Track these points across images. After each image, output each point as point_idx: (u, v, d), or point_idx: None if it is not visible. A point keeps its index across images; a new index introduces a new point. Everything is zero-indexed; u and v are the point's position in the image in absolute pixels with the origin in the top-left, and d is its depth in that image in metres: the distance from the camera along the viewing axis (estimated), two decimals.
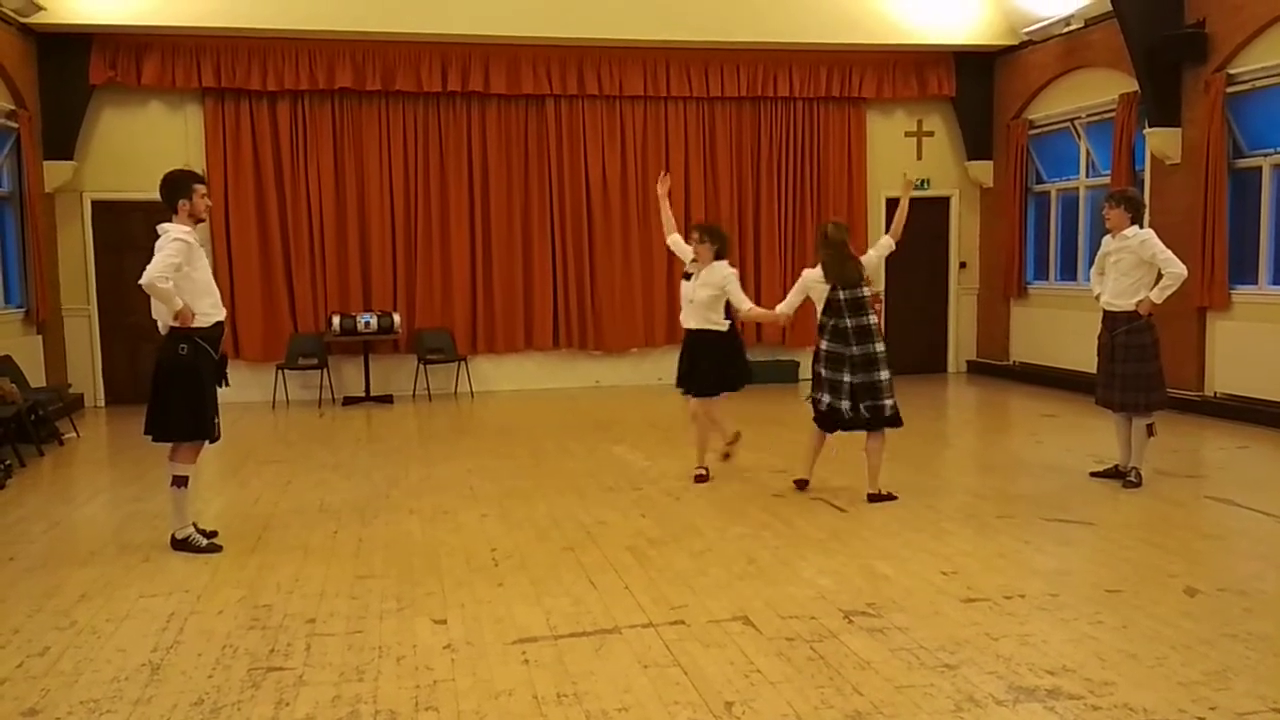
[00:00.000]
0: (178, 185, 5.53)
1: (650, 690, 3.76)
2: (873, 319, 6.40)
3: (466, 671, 3.96)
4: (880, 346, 6.39)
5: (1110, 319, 6.81)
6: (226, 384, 5.77)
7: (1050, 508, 6.33)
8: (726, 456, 7.40)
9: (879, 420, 6.43)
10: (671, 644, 4.20)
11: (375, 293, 11.91)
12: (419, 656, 4.12)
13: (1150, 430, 6.80)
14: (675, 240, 7.29)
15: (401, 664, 4.05)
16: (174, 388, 5.47)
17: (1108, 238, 6.87)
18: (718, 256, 6.93)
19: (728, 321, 6.98)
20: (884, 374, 6.37)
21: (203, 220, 5.66)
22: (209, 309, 5.53)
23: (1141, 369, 6.67)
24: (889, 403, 6.39)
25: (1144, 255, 6.61)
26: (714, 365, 6.96)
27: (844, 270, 6.38)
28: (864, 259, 6.58)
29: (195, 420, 5.54)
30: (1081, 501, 6.48)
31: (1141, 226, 6.80)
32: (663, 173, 7.62)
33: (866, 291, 6.40)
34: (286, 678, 3.92)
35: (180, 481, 5.63)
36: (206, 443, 5.71)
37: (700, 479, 7.19)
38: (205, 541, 5.70)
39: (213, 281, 5.65)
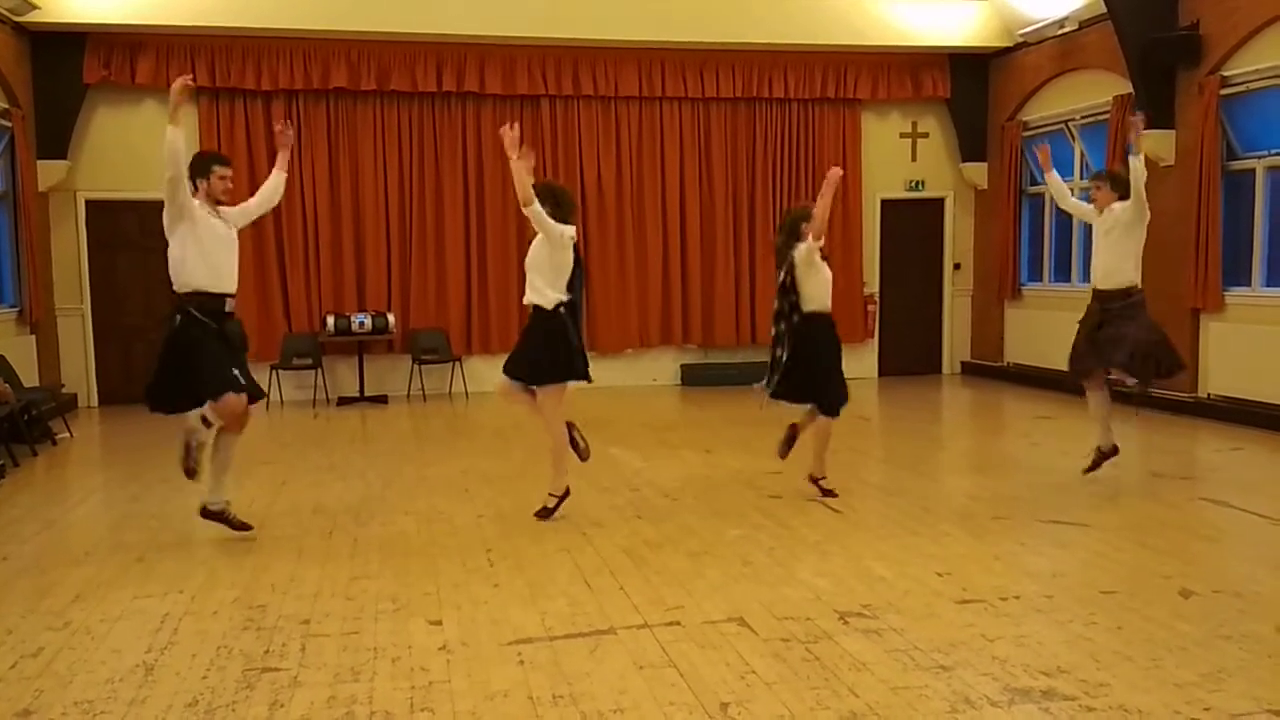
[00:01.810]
0: (197, 164, 5.63)
1: (646, 691, 3.76)
2: (775, 304, 6.53)
3: (462, 673, 3.95)
4: (772, 330, 6.56)
5: (1104, 295, 6.80)
6: (246, 346, 5.76)
7: (1045, 509, 6.34)
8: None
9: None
10: (667, 645, 4.20)
11: (370, 293, 11.89)
12: (414, 657, 4.11)
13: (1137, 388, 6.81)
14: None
15: (397, 665, 4.04)
16: (163, 357, 5.54)
17: (1097, 218, 6.90)
18: (558, 217, 5.89)
19: (555, 297, 5.93)
20: (778, 351, 6.54)
21: (221, 202, 5.69)
22: (203, 279, 5.50)
23: (1145, 334, 6.61)
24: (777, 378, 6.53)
25: (1132, 210, 6.59)
26: (539, 347, 5.99)
27: (779, 257, 6.61)
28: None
29: (173, 387, 5.53)
30: (1076, 503, 6.48)
31: None
32: (507, 125, 5.97)
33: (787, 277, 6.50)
34: (281, 678, 3.92)
35: (203, 420, 5.59)
36: (245, 401, 5.60)
37: (544, 513, 6.20)
38: (232, 515, 5.79)
39: (219, 262, 5.59)
